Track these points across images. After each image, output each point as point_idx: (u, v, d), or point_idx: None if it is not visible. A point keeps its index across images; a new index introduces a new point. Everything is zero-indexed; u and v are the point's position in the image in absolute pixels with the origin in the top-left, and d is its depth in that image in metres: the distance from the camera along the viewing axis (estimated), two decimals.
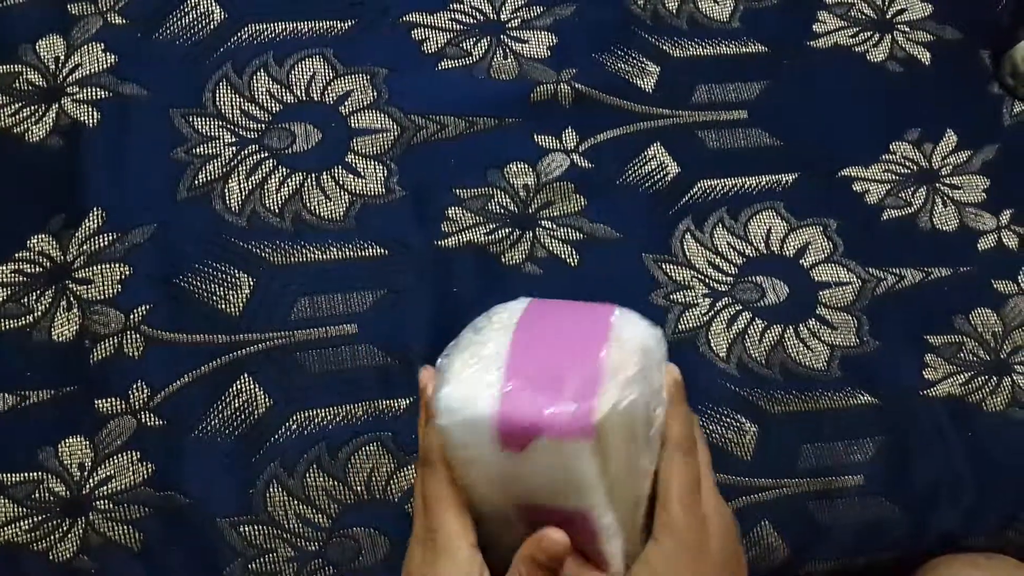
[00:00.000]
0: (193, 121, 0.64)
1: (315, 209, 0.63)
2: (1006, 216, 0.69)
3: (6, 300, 0.59)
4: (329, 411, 0.59)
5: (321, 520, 0.58)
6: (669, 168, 0.67)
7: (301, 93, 0.66)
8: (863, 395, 0.64)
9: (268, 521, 0.57)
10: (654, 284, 0.65)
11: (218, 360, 0.59)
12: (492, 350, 0.42)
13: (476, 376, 0.41)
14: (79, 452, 0.57)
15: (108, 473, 0.57)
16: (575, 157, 0.67)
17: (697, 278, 0.65)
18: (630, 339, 0.42)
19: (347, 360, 0.60)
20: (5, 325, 0.59)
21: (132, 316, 0.59)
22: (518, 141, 0.67)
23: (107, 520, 0.56)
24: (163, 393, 0.58)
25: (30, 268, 0.60)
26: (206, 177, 0.63)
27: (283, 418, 0.59)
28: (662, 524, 0.43)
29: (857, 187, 0.69)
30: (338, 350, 0.60)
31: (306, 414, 0.59)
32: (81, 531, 0.56)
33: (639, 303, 0.64)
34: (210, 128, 0.64)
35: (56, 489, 0.56)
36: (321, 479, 0.58)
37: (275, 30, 0.67)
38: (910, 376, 0.65)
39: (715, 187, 0.67)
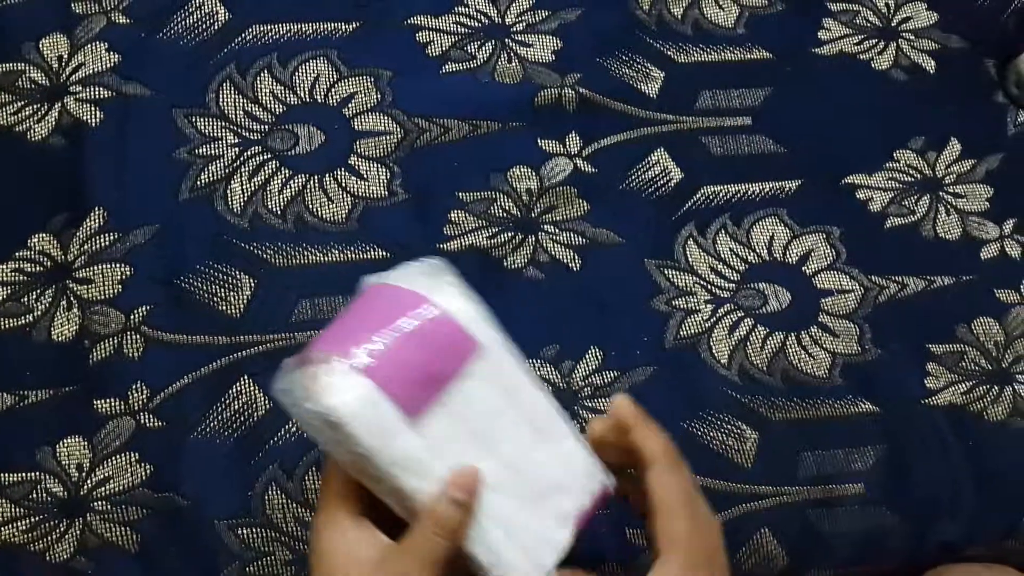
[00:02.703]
0: (196, 122, 0.64)
1: (317, 211, 0.63)
2: (1009, 225, 0.69)
3: (6, 299, 0.59)
4: None
5: None
6: (672, 174, 0.67)
7: (305, 95, 0.65)
8: (864, 403, 0.63)
9: (266, 524, 0.57)
10: (656, 290, 0.64)
11: (218, 361, 0.59)
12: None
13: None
14: (77, 452, 0.57)
15: (106, 474, 0.57)
16: (578, 162, 0.67)
17: (699, 284, 0.65)
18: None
19: None
20: (5, 324, 0.59)
21: (132, 316, 0.59)
22: (521, 145, 0.66)
23: (105, 521, 0.56)
24: (162, 394, 0.58)
25: (30, 267, 0.60)
26: (208, 178, 0.63)
27: (283, 420, 0.59)
28: (667, 539, 0.44)
29: (860, 195, 0.69)
30: None
31: None
32: (79, 532, 0.56)
33: (641, 308, 0.64)
34: (213, 129, 0.64)
35: (54, 489, 0.56)
36: (320, 483, 0.58)
37: (279, 31, 0.67)
38: (911, 385, 0.64)
39: (718, 193, 0.67)
